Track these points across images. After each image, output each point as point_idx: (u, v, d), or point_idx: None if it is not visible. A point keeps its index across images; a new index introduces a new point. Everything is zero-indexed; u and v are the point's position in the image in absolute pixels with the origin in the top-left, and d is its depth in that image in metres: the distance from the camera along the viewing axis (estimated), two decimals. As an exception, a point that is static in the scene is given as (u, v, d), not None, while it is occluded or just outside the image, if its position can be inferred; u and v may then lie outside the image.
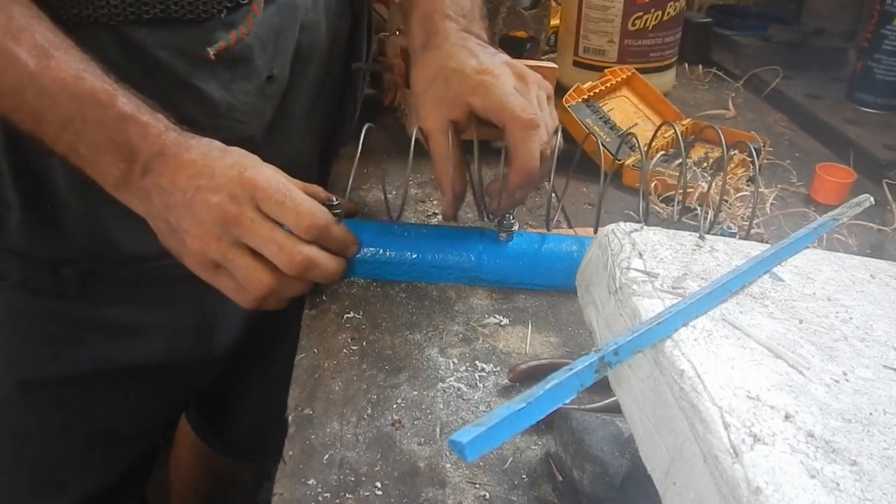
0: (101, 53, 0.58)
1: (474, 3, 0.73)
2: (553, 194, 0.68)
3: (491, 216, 0.67)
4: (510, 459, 0.50)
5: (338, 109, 0.88)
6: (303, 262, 0.57)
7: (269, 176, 0.57)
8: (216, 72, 0.66)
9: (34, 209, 0.68)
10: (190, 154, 0.57)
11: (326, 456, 0.49)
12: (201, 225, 0.56)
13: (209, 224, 0.55)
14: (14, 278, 0.73)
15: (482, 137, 0.64)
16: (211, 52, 0.63)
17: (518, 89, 0.62)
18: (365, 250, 0.66)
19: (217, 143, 0.59)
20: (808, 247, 0.49)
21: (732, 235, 0.63)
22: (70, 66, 0.55)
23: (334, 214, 0.66)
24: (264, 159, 0.59)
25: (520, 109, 0.60)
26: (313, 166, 0.86)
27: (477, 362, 0.59)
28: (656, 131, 0.73)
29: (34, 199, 0.68)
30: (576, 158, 0.70)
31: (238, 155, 0.58)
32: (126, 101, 0.56)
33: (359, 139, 0.63)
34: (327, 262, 0.59)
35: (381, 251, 0.66)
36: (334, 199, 0.65)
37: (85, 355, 0.76)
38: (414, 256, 0.66)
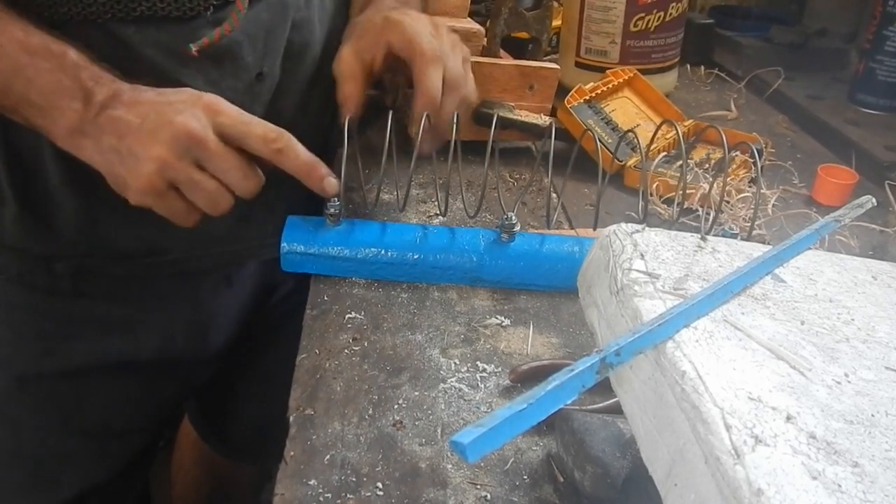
0: (90, 51, 0.59)
1: None
2: (554, 195, 0.68)
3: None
4: (511, 460, 0.50)
5: (333, 109, 0.88)
6: (257, 187, 0.60)
7: (229, 103, 0.60)
8: (204, 69, 0.67)
9: (28, 205, 0.69)
10: (145, 94, 0.59)
11: (328, 456, 0.49)
12: (162, 145, 0.56)
13: (171, 143, 0.56)
14: (10, 273, 0.73)
15: (476, 138, 0.64)
16: (193, 48, 0.64)
17: (432, 35, 0.69)
18: (367, 251, 0.66)
19: (169, 88, 0.61)
20: (809, 248, 0.49)
21: (734, 236, 0.63)
22: (17, 23, 0.57)
23: (332, 215, 0.66)
24: None
25: (427, 45, 0.67)
26: None
27: (478, 363, 0.59)
28: (656, 130, 0.73)
29: (28, 195, 0.68)
30: (573, 157, 0.70)
31: (193, 89, 0.61)
32: (76, 53, 0.58)
33: (357, 139, 0.64)
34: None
35: (383, 252, 0.66)
36: (335, 199, 0.66)
37: (78, 350, 0.76)
38: (416, 257, 0.66)
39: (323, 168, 0.63)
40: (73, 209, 0.69)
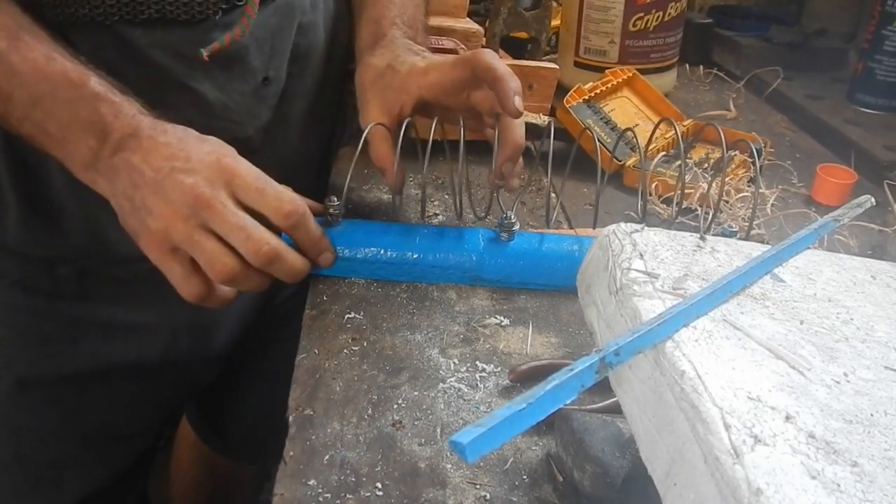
0: (97, 53, 0.59)
1: (418, 16, 0.77)
2: (553, 194, 0.68)
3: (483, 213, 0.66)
4: (511, 460, 0.50)
5: (337, 111, 0.88)
6: (269, 253, 0.56)
7: (248, 165, 0.58)
8: (211, 72, 0.66)
9: (31, 208, 0.68)
10: (166, 137, 0.57)
11: (327, 456, 0.49)
12: (170, 205, 0.55)
13: (178, 205, 0.55)
14: (12, 277, 0.73)
15: (476, 137, 0.64)
16: (205, 53, 0.63)
17: None
18: (366, 250, 0.66)
19: (193, 131, 0.59)
20: (809, 248, 0.49)
21: (733, 236, 0.63)
22: (40, 47, 0.56)
23: (332, 215, 0.66)
24: (263, 160, 0.60)
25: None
26: (312, 168, 0.87)
27: (478, 363, 0.59)
28: (655, 129, 0.73)
29: (31, 198, 0.68)
30: (572, 156, 0.70)
31: (216, 144, 0.58)
32: (98, 82, 0.56)
33: (359, 140, 0.64)
34: (293, 259, 0.59)
35: (382, 251, 0.66)
36: (335, 198, 0.66)
37: (81, 354, 0.76)
38: (415, 256, 0.66)
39: (325, 242, 0.63)
40: (77, 212, 0.68)
